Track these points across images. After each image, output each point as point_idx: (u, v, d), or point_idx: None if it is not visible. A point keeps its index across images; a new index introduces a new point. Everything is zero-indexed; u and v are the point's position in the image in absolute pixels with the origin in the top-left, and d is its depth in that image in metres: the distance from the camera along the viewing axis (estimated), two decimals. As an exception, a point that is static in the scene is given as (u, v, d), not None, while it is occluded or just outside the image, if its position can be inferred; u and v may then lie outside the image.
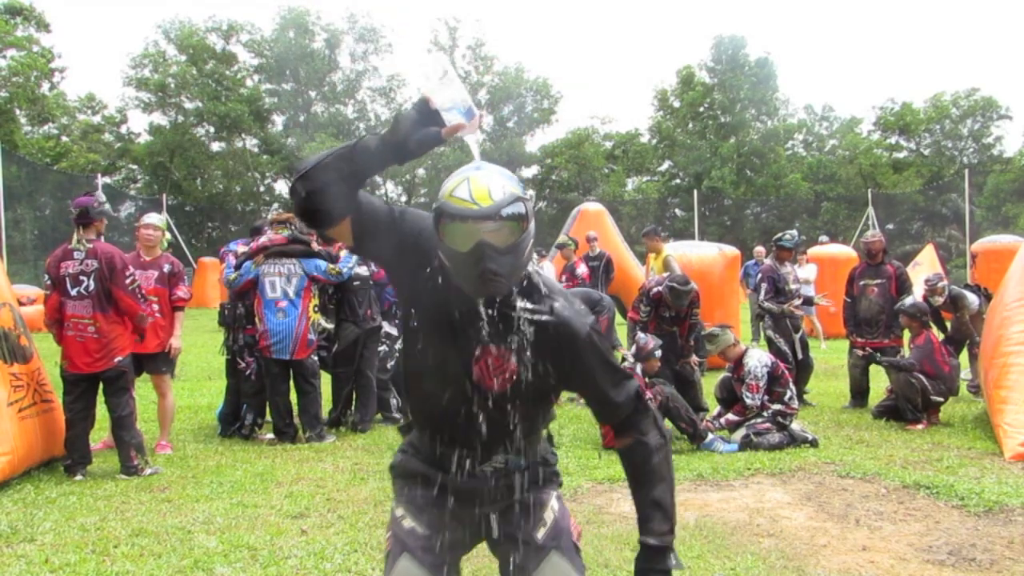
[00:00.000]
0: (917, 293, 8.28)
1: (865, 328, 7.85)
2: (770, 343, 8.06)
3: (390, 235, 1.82)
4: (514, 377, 1.83)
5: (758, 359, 6.18)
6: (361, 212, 1.78)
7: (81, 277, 5.28)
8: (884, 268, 7.90)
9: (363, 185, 1.79)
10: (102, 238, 5.54)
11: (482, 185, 1.66)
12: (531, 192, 2.11)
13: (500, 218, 1.64)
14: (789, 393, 6.26)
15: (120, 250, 5.57)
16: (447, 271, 1.73)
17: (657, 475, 1.89)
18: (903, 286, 7.80)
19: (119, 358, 5.36)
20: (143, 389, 6.66)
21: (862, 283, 7.94)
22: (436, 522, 1.97)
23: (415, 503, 2.00)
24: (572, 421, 7.13)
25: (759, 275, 8.30)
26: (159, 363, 6.10)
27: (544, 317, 1.82)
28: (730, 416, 6.03)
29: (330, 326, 6.73)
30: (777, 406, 6.08)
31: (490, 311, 1.77)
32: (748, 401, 6.01)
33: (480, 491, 1.97)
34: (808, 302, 8.50)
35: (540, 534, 1.98)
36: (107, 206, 5.60)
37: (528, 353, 1.80)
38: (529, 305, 1.81)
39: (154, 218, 6.33)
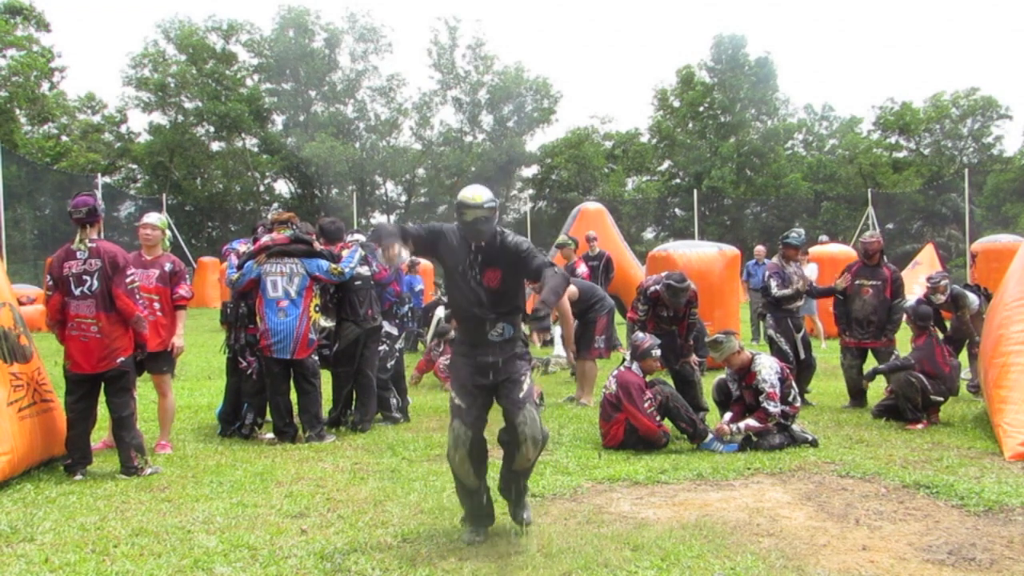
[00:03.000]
0: (918, 291, 8.27)
1: (857, 328, 7.83)
2: (771, 343, 8.06)
3: (428, 239, 4.01)
4: (499, 278, 3.95)
5: (769, 367, 6.14)
6: (413, 239, 3.90)
7: (84, 277, 5.28)
8: (880, 270, 7.89)
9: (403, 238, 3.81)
10: (101, 236, 5.54)
11: (477, 194, 3.93)
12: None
13: (483, 208, 3.90)
14: (792, 393, 6.25)
15: (123, 249, 5.57)
16: (461, 231, 3.97)
17: (551, 279, 3.84)
18: (898, 290, 7.79)
19: (122, 358, 5.36)
20: (143, 389, 6.66)
21: (857, 283, 7.91)
22: (470, 396, 3.96)
23: (458, 385, 4.00)
24: (572, 421, 7.13)
25: (766, 272, 8.27)
26: (161, 362, 6.09)
27: (505, 241, 3.98)
28: (751, 422, 5.98)
29: (330, 325, 6.73)
30: (782, 406, 6.07)
31: (486, 248, 3.96)
32: (772, 410, 5.97)
33: (494, 363, 3.95)
34: (813, 293, 8.46)
35: (520, 395, 3.92)
36: (102, 204, 5.63)
37: (502, 265, 3.95)
38: (499, 242, 3.98)
39: (153, 217, 6.32)
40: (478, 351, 3.96)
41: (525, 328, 4.53)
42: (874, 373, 7.44)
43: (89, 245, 5.34)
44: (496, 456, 4.14)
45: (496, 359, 3.94)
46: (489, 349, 3.95)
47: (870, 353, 7.83)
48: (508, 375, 3.94)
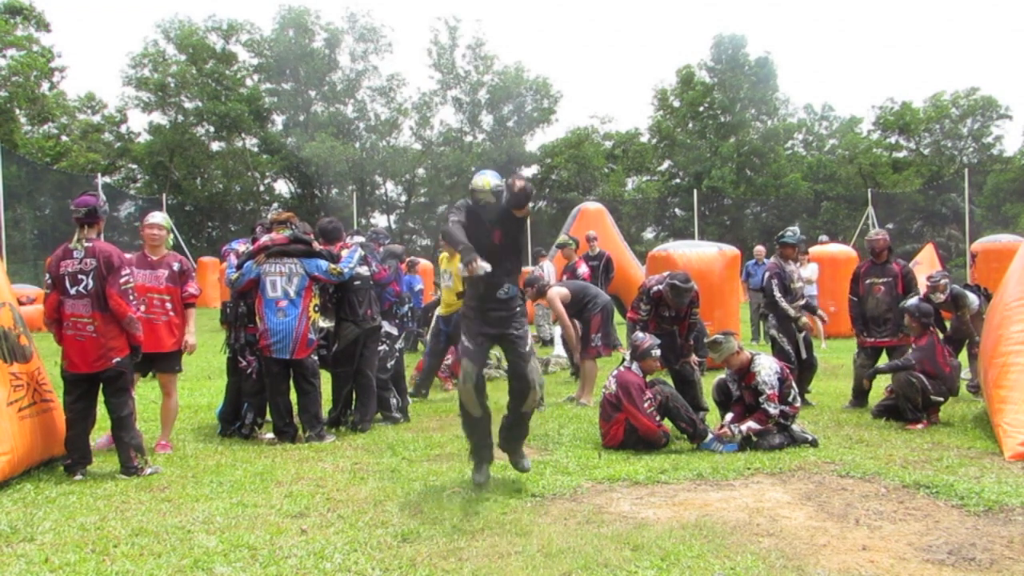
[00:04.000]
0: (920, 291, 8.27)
1: (872, 327, 7.85)
2: (773, 342, 8.05)
3: (468, 213, 4.79)
4: (504, 236, 4.78)
5: (769, 367, 6.14)
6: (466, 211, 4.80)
7: (80, 276, 5.28)
8: (890, 267, 7.91)
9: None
10: (101, 237, 5.54)
11: (485, 181, 4.73)
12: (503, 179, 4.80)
13: (489, 194, 4.69)
14: (793, 393, 6.25)
15: (119, 249, 5.57)
16: (477, 209, 4.76)
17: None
18: (909, 285, 7.80)
19: (118, 358, 5.35)
20: (143, 388, 6.67)
21: (868, 282, 7.94)
22: (477, 339, 4.83)
23: (469, 331, 4.85)
24: (572, 421, 7.13)
25: (766, 274, 8.27)
26: (173, 362, 6.13)
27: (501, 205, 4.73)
28: (752, 424, 5.98)
29: (328, 325, 6.73)
30: (781, 406, 6.07)
31: (493, 216, 4.75)
32: (772, 411, 5.98)
33: (500, 315, 4.82)
34: (810, 308, 8.46)
35: (525, 349, 4.86)
36: (107, 206, 5.63)
37: (504, 224, 4.77)
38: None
39: (158, 217, 6.33)
40: (488, 305, 4.81)
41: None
42: (874, 373, 7.44)
43: (86, 245, 5.34)
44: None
45: (502, 314, 4.82)
46: (496, 304, 4.81)
47: (884, 353, 7.84)
48: (512, 328, 4.83)
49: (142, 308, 5.79)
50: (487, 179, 4.72)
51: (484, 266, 4.35)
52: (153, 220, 6.24)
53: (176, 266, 6.17)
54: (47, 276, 5.47)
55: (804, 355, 7.96)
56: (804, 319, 7.96)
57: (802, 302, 8.21)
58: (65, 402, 5.44)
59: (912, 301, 7.36)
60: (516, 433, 5.05)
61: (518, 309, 4.86)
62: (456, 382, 9.55)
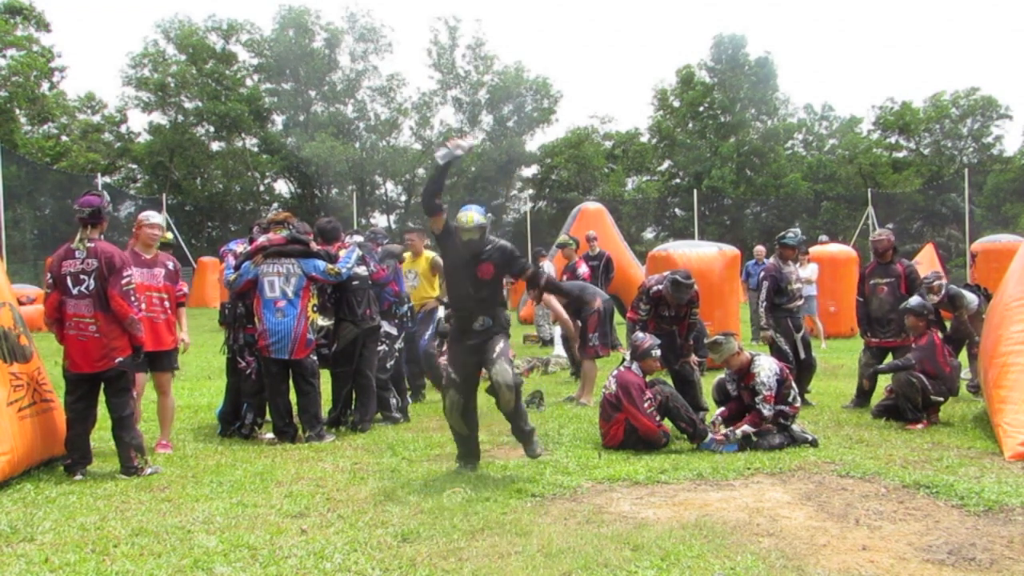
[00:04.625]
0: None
1: (877, 327, 7.87)
2: (771, 343, 8.05)
3: (450, 228, 5.18)
4: (489, 271, 5.13)
5: (768, 368, 6.14)
6: (447, 220, 5.19)
7: (82, 276, 5.28)
8: (893, 267, 7.92)
9: (441, 190, 5.20)
10: (102, 237, 5.55)
11: (469, 217, 5.08)
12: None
13: (474, 230, 5.09)
14: (792, 394, 6.25)
15: (121, 250, 5.58)
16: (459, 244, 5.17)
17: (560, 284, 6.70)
18: (913, 285, 7.80)
19: (120, 358, 5.35)
20: (145, 388, 6.66)
21: (872, 282, 7.95)
22: (461, 368, 5.19)
23: (454, 360, 5.23)
24: (572, 421, 7.13)
25: (761, 274, 8.28)
26: (169, 360, 6.15)
27: (495, 244, 5.21)
28: (745, 427, 5.98)
29: (328, 324, 6.72)
30: (781, 407, 6.07)
31: (481, 253, 5.14)
32: (766, 412, 5.98)
33: (476, 344, 5.16)
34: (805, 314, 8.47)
35: (495, 353, 5.08)
36: (111, 207, 5.65)
37: (492, 260, 5.15)
38: (489, 246, 5.18)
39: (159, 217, 6.38)
40: (466, 337, 5.20)
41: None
42: (875, 373, 7.44)
43: (88, 245, 5.34)
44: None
45: (477, 342, 5.18)
46: (473, 335, 5.18)
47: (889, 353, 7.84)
48: (487, 348, 5.15)
49: (143, 307, 5.80)
50: (471, 215, 4.97)
51: (467, 142, 5.03)
52: (155, 220, 6.26)
53: (171, 265, 6.23)
54: (48, 276, 5.47)
55: (803, 355, 7.96)
56: (770, 332, 7.94)
57: (800, 302, 8.21)
58: (66, 402, 5.44)
59: (913, 300, 7.36)
60: (515, 430, 5.34)
61: (495, 335, 5.17)
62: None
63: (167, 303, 6.08)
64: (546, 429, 6.74)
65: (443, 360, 9.41)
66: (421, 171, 41.24)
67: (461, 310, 5.22)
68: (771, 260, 8.43)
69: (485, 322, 5.14)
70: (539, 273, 5.57)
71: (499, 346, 5.10)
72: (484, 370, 5.22)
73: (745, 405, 6.21)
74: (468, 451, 5.39)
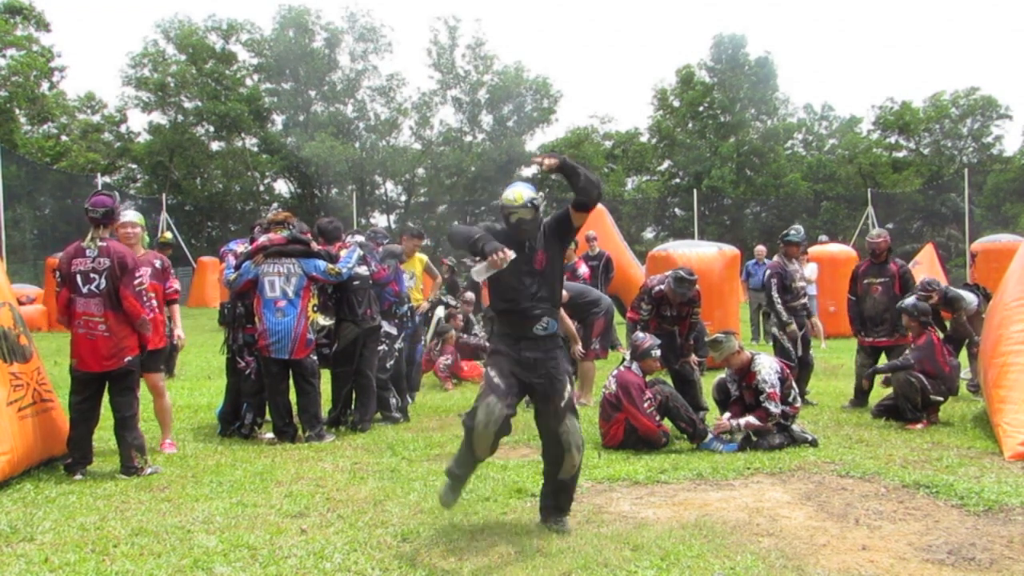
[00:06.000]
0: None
1: (870, 327, 7.87)
2: (775, 340, 8.05)
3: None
4: (547, 260, 4.12)
5: (769, 366, 6.14)
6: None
7: (92, 275, 5.29)
8: (888, 267, 7.93)
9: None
10: (113, 237, 5.56)
11: (518, 194, 4.08)
12: (541, 194, 4.19)
13: (526, 208, 4.05)
14: (793, 393, 6.25)
15: (132, 251, 5.60)
16: (509, 230, 4.11)
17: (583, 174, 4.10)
18: (907, 284, 7.81)
19: (129, 357, 5.36)
20: (142, 388, 6.66)
21: (866, 282, 7.97)
22: (508, 382, 4.01)
23: (500, 368, 4.05)
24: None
25: (767, 272, 8.29)
26: (157, 361, 6.11)
27: (545, 221, 4.19)
28: (751, 419, 5.98)
29: (328, 323, 6.72)
30: (782, 406, 6.07)
31: (532, 235, 4.12)
32: (773, 410, 5.98)
33: (535, 357, 4.06)
34: (808, 312, 8.45)
35: (562, 404, 4.03)
36: (121, 207, 5.67)
37: (548, 246, 4.14)
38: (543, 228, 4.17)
39: (132, 216, 6.23)
40: (522, 345, 4.08)
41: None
42: (874, 373, 7.44)
43: (99, 244, 5.34)
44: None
45: (537, 355, 4.07)
46: (532, 344, 4.08)
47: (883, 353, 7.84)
48: (549, 374, 4.06)
49: (154, 303, 5.84)
50: (519, 192, 4.08)
51: (509, 254, 3.83)
52: (126, 219, 6.11)
53: (158, 263, 6.19)
54: (56, 273, 5.47)
55: (800, 353, 7.97)
56: (793, 326, 7.95)
57: (804, 300, 8.22)
58: (71, 401, 5.43)
59: (909, 300, 7.36)
60: (558, 502, 4.23)
61: (558, 350, 4.15)
62: (456, 382, 9.64)
63: (154, 302, 6.05)
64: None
65: (441, 360, 9.56)
66: (421, 171, 41.25)
67: (514, 313, 4.09)
68: (775, 258, 8.44)
69: (549, 325, 4.10)
70: (573, 179, 4.20)
71: (566, 391, 4.07)
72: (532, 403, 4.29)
73: (747, 405, 6.21)
74: (466, 475, 4.23)
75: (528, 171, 42.05)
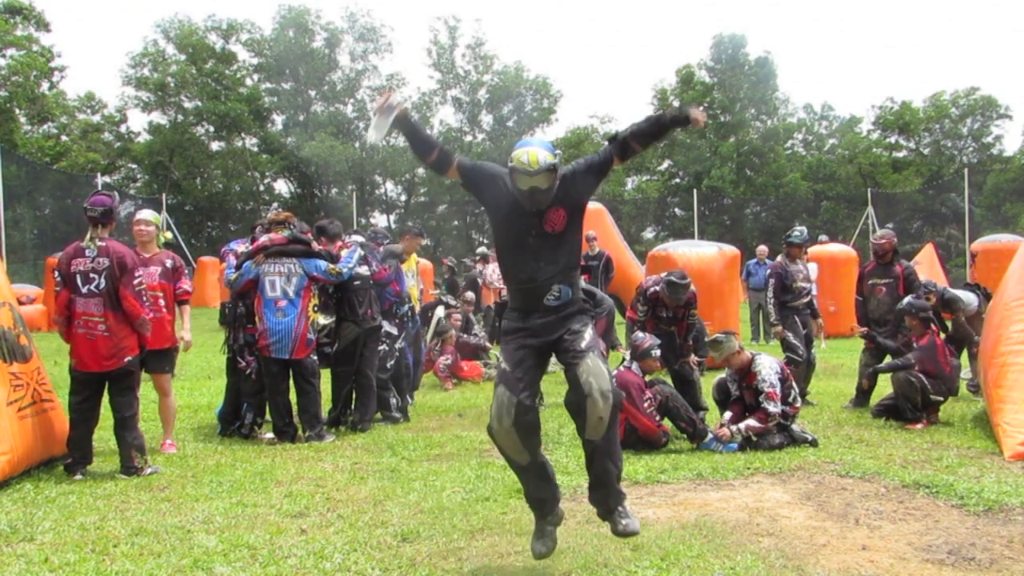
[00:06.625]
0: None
1: (875, 328, 7.88)
2: (783, 340, 8.05)
3: (481, 173, 3.62)
4: (560, 218, 3.44)
5: (769, 366, 6.14)
6: (461, 163, 3.66)
7: (92, 275, 5.28)
8: (893, 268, 7.93)
9: (428, 144, 3.83)
10: (112, 236, 5.55)
11: (532, 157, 3.29)
12: (559, 152, 3.47)
13: (541, 175, 3.31)
14: (793, 393, 6.25)
15: (131, 251, 5.59)
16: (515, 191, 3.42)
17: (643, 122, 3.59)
18: (911, 286, 7.81)
19: (129, 358, 5.36)
20: (143, 389, 6.65)
21: (871, 282, 7.98)
22: (517, 355, 3.45)
23: (507, 351, 3.49)
24: (572, 421, 7.12)
25: (767, 272, 8.32)
26: (163, 361, 6.10)
27: (563, 172, 3.46)
28: (752, 423, 5.98)
29: (328, 321, 6.72)
30: (782, 407, 6.07)
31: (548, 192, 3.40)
32: (772, 410, 5.97)
33: (547, 321, 3.47)
34: (812, 310, 8.46)
35: (582, 345, 3.41)
36: (121, 207, 5.67)
37: (562, 202, 3.44)
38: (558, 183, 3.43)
39: (147, 213, 6.32)
40: (532, 318, 3.50)
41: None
42: (875, 373, 7.44)
43: (99, 244, 5.34)
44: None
45: (549, 318, 3.48)
46: (543, 312, 3.48)
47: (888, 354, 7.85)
48: (564, 330, 3.46)
49: (161, 303, 5.82)
50: (535, 154, 3.29)
51: (387, 101, 3.61)
52: (141, 216, 6.24)
53: (169, 263, 6.17)
54: (56, 274, 5.47)
55: (802, 353, 7.96)
56: (779, 327, 7.96)
57: (807, 298, 8.22)
58: (71, 401, 5.43)
59: (907, 300, 7.37)
60: (597, 477, 3.51)
61: (574, 309, 3.52)
62: (456, 382, 9.63)
63: (162, 302, 6.04)
64: (546, 429, 6.70)
65: (441, 360, 9.58)
66: (421, 171, 41.22)
67: (522, 282, 3.50)
68: (778, 258, 8.45)
69: (563, 293, 3.47)
70: (623, 140, 3.61)
71: (587, 334, 3.46)
72: (558, 364, 3.68)
73: (747, 405, 6.21)
74: (538, 491, 3.53)
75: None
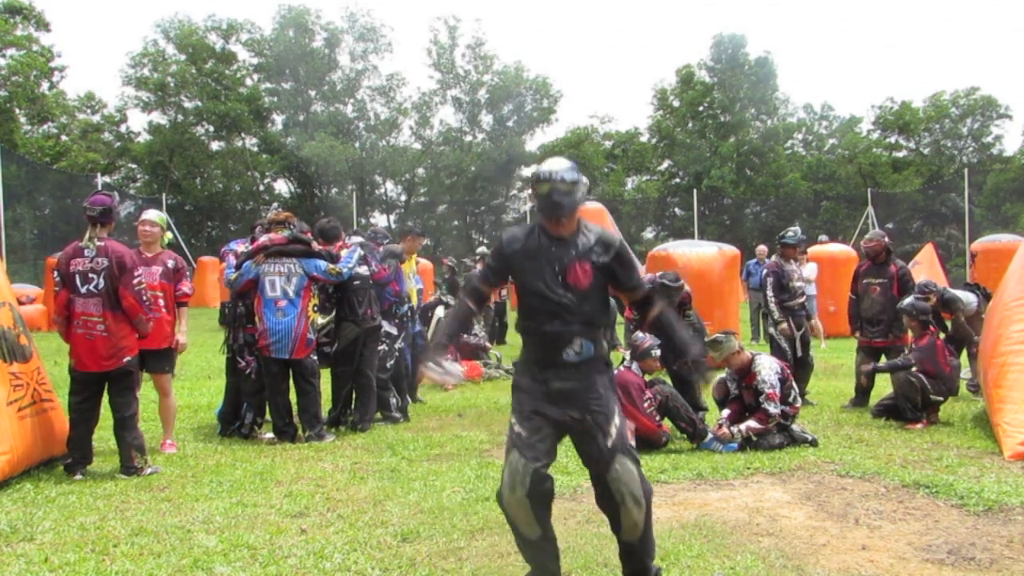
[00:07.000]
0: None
1: (868, 327, 7.89)
2: (771, 340, 8.06)
3: (503, 250, 3.31)
4: (587, 275, 3.18)
5: (769, 367, 6.14)
6: (487, 277, 3.43)
7: (91, 275, 5.28)
8: (887, 268, 7.93)
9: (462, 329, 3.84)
10: (111, 236, 5.55)
11: (554, 166, 3.21)
12: (530, 191, 3.74)
13: (562, 182, 3.17)
14: (793, 394, 6.25)
15: (131, 250, 5.58)
16: (536, 220, 3.30)
17: (676, 321, 3.51)
18: (905, 286, 7.81)
19: (128, 358, 5.36)
20: (143, 389, 6.66)
21: (865, 281, 7.99)
22: (533, 424, 3.15)
23: (520, 410, 3.20)
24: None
25: (764, 272, 8.32)
26: (163, 361, 6.09)
27: (595, 234, 3.30)
28: (752, 424, 5.98)
29: (328, 320, 6.72)
30: (782, 406, 6.07)
31: (571, 240, 3.24)
32: (772, 410, 5.98)
33: (568, 388, 3.17)
34: (808, 315, 8.45)
35: (609, 444, 3.12)
36: (120, 206, 5.67)
37: (592, 258, 3.21)
38: (587, 236, 3.27)
39: (152, 214, 6.32)
40: (550, 374, 3.20)
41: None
42: (874, 372, 7.45)
43: (97, 244, 5.34)
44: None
45: (573, 385, 3.18)
46: (564, 372, 3.19)
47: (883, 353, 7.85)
48: (587, 407, 3.17)
49: (161, 303, 5.82)
50: (557, 162, 3.26)
51: (443, 371, 3.26)
52: (146, 217, 6.24)
53: (170, 263, 6.16)
54: (56, 274, 5.46)
55: (800, 354, 7.97)
56: (784, 324, 7.95)
57: (802, 299, 8.22)
58: (71, 401, 5.43)
59: (907, 300, 7.37)
60: (629, 569, 3.32)
61: (599, 377, 3.23)
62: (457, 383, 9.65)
63: (162, 302, 6.03)
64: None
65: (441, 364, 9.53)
66: (421, 171, 41.25)
67: (541, 332, 3.22)
68: (773, 259, 8.46)
69: (584, 349, 3.19)
70: (652, 298, 3.47)
71: (615, 421, 3.18)
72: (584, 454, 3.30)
73: (747, 405, 6.21)
74: (544, 561, 3.30)
75: (528, 171, 42.08)
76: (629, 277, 3.33)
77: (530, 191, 3.40)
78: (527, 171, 42.25)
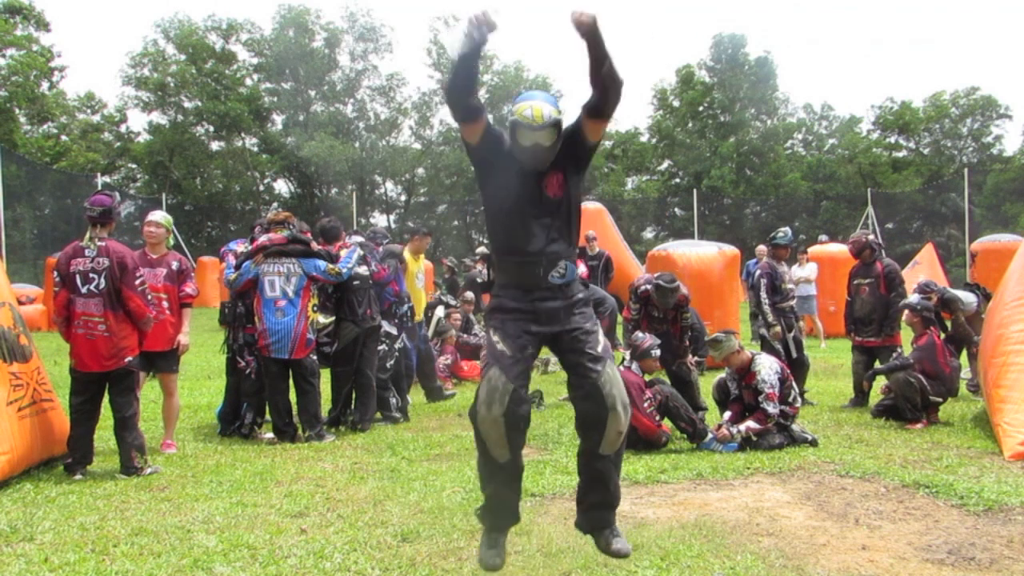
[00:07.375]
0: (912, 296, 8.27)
1: (860, 327, 7.92)
2: (763, 341, 8.06)
3: (495, 133, 3.18)
4: (558, 183, 3.16)
5: (769, 367, 6.14)
6: (489, 119, 3.17)
7: (92, 275, 5.28)
8: (874, 267, 7.98)
9: (475, 85, 3.18)
10: (112, 236, 5.56)
11: (537, 111, 3.03)
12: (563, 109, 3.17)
13: (545, 129, 3.03)
14: (793, 394, 6.25)
15: (131, 250, 5.58)
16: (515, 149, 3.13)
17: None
18: (892, 284, 7.83)
19: (129, 358, 5.36)
20: (145, 388, 6.66)
21: (855, 282, 8.08)
22: (517, 341, 3.10)
23: (504, 328, 3.13)
24: (572, 421, 7.11)
25: (757, 273, 8.33)
26: (170, 361, 6.11)
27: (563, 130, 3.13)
28: (751, 424, 5.98)
29: (325, 321, 6.72)
30: (781, 406, 6.07)
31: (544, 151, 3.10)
32: (771, 410, 5.98)
33: (554, 306, 3.15)
34: (796, 316, 8.45)
35: (598, 350, 3.12)
36: (121, 207, 5.67)
37: (562, 166, 3.17)
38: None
39: (158, 216, 6.33)
40: (535, 299, 3.15)
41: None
42: (874, 373, 7.45)
43: (98, 244, 5.34)
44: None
45: (557, 304, 3.16)
46: (548, 294, 3.16)
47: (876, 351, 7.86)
48: (574, 321, 3.16)
49: (165, 304, 5.82)
50: (539, 107, 3.04)
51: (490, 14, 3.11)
52: (152, 218, 6.26)
53: (175, 265, 6.16)
54: (56, 274, 5.46)
55: (795, 354, 7.96)
56: (777, 327, 7.94)
57: (793, 301, 8.23)
58: (71, 402, 5.43)
59: (913, 298, 7.39)
60: (598, 497, 3.22)
61: (580, 296, 3.23)
62: (456, 382, 9.63)
63: (166, 304, 6.04)
64: (546, 429, 6.74)
65: (441, 360, 9.58)
66: (421, 171, 41.23)
67: (522, 255, 3.16)
68: (764, 260, 8.48)
69: (568, 271, 3.17)
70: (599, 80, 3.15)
71: (601, 335, 3.20)
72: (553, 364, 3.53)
73: (746, 405, 6.21)
74: (502, 496, 3.20)
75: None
76: (576, 127, 3.18)
77: (510, 116, 3.12)
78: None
